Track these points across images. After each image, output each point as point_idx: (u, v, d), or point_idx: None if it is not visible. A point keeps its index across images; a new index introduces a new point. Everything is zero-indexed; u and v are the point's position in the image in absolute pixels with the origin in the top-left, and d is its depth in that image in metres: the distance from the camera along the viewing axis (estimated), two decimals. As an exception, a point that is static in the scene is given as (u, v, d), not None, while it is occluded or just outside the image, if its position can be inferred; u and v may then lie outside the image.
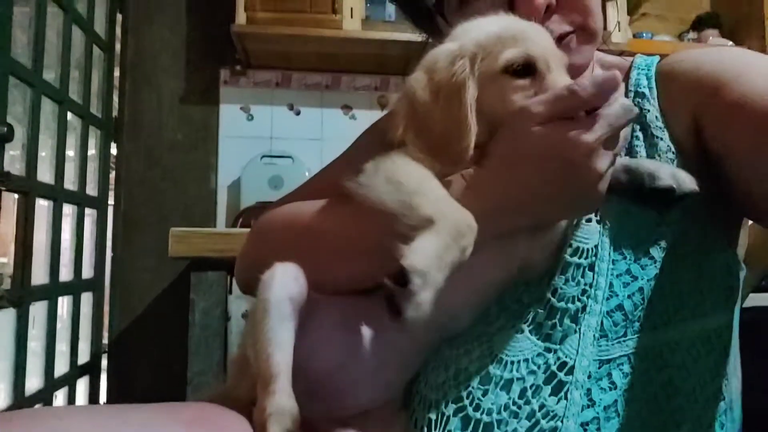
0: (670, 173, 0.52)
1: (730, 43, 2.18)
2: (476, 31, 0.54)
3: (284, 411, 0.51)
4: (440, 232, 0.46)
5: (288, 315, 0.54)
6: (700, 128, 0.57)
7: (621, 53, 0.74)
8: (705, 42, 2.23)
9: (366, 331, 0.56)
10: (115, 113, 2.06)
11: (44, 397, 1.56)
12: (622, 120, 0.47)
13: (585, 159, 0.47)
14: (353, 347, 0.56)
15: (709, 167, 0.57)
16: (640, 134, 0.60)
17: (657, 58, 0.66)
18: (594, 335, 0.52)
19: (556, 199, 0.50)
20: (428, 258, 0.44)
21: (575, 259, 0.55)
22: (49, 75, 1.62)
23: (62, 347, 1.72)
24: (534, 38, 0.52)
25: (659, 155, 0.58)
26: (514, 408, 0.51)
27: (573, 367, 0.51)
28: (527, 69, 0.51)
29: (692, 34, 2.30)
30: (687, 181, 0.52)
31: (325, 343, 0.56)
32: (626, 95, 0.63)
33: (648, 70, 0.64)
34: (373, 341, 0.56)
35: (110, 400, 1.94)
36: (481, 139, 0.51)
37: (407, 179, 0.50)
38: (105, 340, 1.98)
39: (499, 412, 0.51)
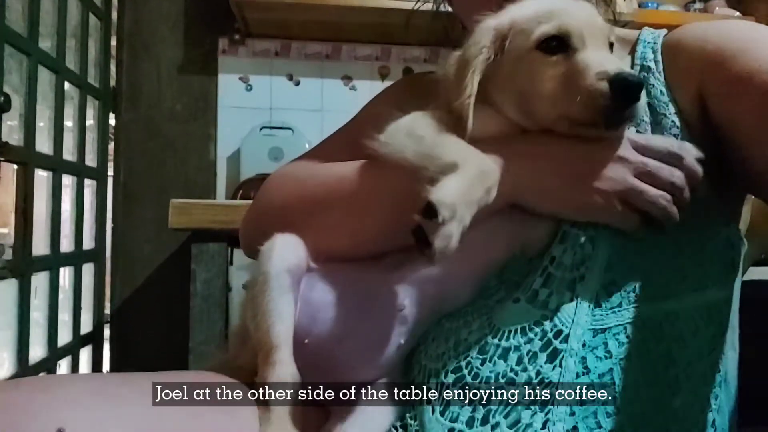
0: None
1: (737, 13, 2.14)
2: (518, 8, 0.54)
3: (286, 381, 0.52)
4: (465, 172, 0.47)
5: (288, 287, 0.55)
6: (705, 102, 0.56)
7: (626, 24, 0.73)
8: (711, 12, 2.19)
9: (367, 304, 0.56)
10: (113, 83, 2.04)
11: (48, 365, 1.58)
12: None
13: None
14: (354, 319, 0.56)
15: (713, 142, 0.56)
16: (647, 109, 0.59)
17: (664, 32, 0.65)
18: (589, 305, 0.52)
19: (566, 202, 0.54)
20: (455, 193, 0.45)
21: (574, 230, 0.54)
22: (45, 44, 1.59)
23: (65, 317, 1.73)
24: (572, 12, 0.52)
25: (663, 133, 0.57)
26: (512, 375, 0.52)
27: (568, 335, 0.52)
28: (561, 45, 0.51)
29: (698, 4, 2.26)
30: None
31: (326, 315, 0.56)
32: (632, 69, 0.62)
33: (654, 43, 0.63)
34: (374, 314, 0.56)
35: (113, 369, 1.96)
36: (514, 117, 0.54)
37: (427, 132, 0.52)
38: (107, 310, 2.00)
39: (496, 380, 0.52)
